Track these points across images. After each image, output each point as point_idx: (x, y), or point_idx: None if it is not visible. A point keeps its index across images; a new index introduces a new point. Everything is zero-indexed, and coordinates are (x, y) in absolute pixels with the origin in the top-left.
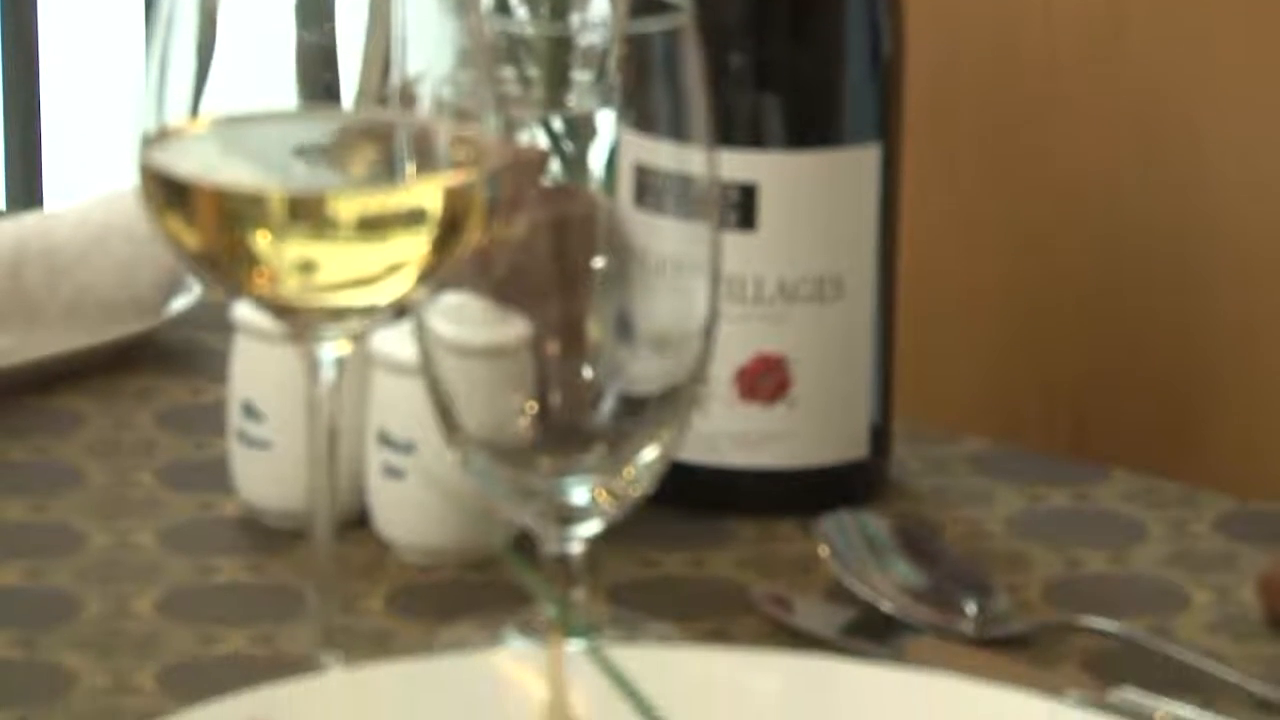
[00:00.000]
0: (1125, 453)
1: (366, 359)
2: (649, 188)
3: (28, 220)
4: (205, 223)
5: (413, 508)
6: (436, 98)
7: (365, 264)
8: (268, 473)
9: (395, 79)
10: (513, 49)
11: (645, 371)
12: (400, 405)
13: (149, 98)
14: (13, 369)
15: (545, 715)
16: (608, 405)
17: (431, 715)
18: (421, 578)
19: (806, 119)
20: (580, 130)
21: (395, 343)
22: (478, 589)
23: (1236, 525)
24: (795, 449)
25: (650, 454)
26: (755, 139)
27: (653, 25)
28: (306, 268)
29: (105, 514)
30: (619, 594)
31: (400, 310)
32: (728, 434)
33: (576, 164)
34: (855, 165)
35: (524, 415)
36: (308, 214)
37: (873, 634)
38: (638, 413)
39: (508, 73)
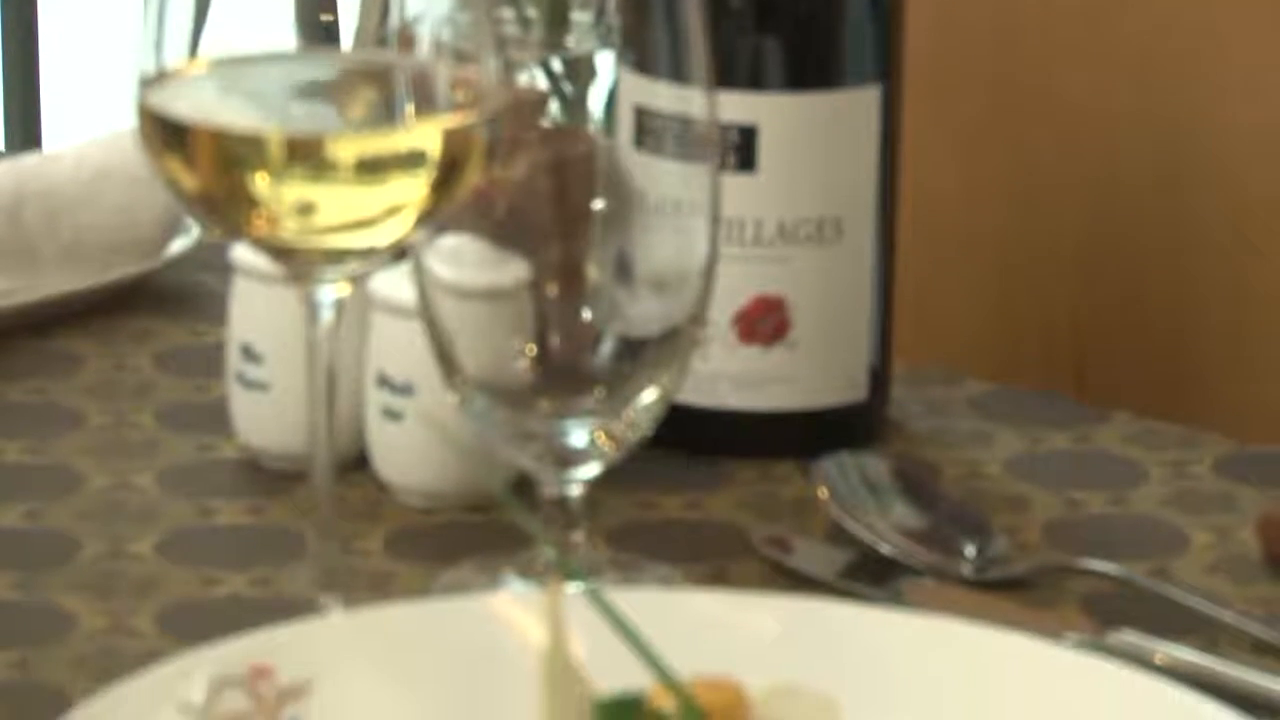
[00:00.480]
0: (1125, 394)
1: (365, 301)
2: (648, 129)
3: (26, 161)
4: (204, 165)
5: (412, 450)
6: (435, 39)
7: (364, 206)
8: (267, 415)
9: (394, 20)
10: None
11: (644, 313)
12: (399, 347)
13: (147, 38)
14: (11, 310)
15: (544, 657)
16: (607, 347)
17: (430, 657)
18: (421, 520)
19: (806, 60)
20: (579, 72)
21: (394, 285)
22: (477, 531)
23: (1236, 467)
24: (794, 391)
25: (649, 396)
26: (755, 80)
27: None
28: (305, 209)
29: (104, 455)
30: (618, 536)
31: (399, 252)
32: (727, 376)
33: (576, 105)
34: (855, 107)
35: (523, 357)
36: (306, 156)
37: (871, 576)
38: (637, 355)
39: (507, 14)
